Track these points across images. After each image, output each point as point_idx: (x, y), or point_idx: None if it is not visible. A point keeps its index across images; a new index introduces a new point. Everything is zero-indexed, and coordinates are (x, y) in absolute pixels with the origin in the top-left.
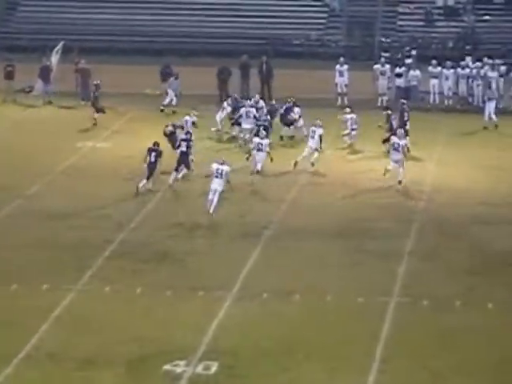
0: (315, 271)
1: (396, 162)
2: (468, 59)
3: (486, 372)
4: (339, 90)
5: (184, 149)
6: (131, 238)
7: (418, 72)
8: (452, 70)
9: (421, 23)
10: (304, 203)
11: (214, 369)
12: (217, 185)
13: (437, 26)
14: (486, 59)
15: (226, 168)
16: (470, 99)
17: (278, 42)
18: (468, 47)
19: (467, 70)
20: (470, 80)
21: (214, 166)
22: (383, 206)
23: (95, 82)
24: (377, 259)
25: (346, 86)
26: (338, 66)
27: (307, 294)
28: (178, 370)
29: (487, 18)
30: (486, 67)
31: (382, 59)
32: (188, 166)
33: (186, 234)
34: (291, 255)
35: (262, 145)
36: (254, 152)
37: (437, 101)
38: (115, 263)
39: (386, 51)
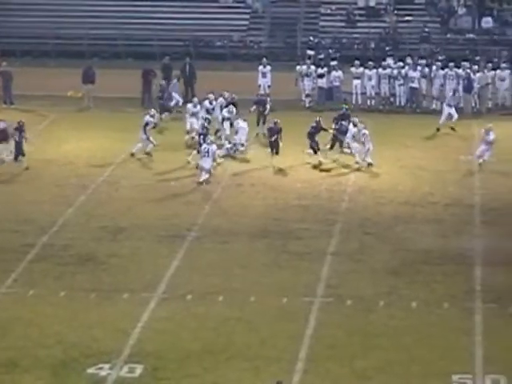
0: (239, 272)
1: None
2: (389, 59)
3: (410, 371)
4: (262, 91)
5: None
6: (54, 242)
7: (340, 73)
8: (374, 71)
9: (343, 24)
10: (227, 204)
11: (138, 371)
12: (205, 163)
13: (358, 26)
14: (407, 59)
15: (213, 147)
16: (392, 99)
17: (201, 43)
18: (389, 47)
19: (389, 70)
20: (392, 80)
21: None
22: (306, 207)
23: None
24: (300, 260)
25: (268, 86)
26: (260, 67)
27: (231, 295)
28: (103, 373)
29: (408, 18)
30: (407, 67)
31: (308, 60)
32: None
33: (109, 236)
34: (215, 256)
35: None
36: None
37: (359, 101)
38: (39, 267)
39: (311, 51)
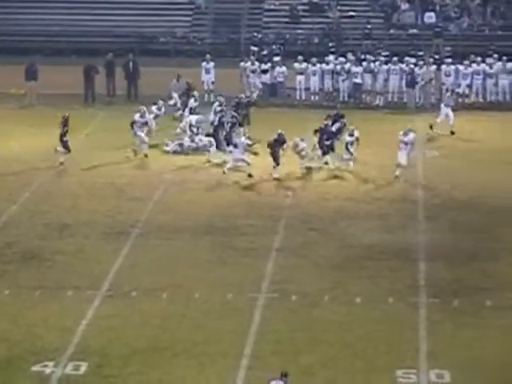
0: (184, 268)
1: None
2: (332, 55)
3: (355, 366)
4: (206, 87)
5: None
6: None
7: (284, 68)
8: (318, 66)
9: (286, 20)
10: (171, 201)
11: (83, 369)
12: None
13: (302, 22)
14: (349, 55)
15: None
16: (336, 94)
17: (144, 39)
18: (333, 43)
19: (332, 66)
20: (336, 75)
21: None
22: (251, 203)
23: None
24: (245, 256)
25: (212, 83)
26: (204, 64)
27: (176, 292)
28: (47, 370)
29: (352, 14)
30: (349, 64)
31: (252, 57)
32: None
33: (54, 233)
34: (160, 253)
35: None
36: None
37: (303, 97)
38: None
39: (255, 46)
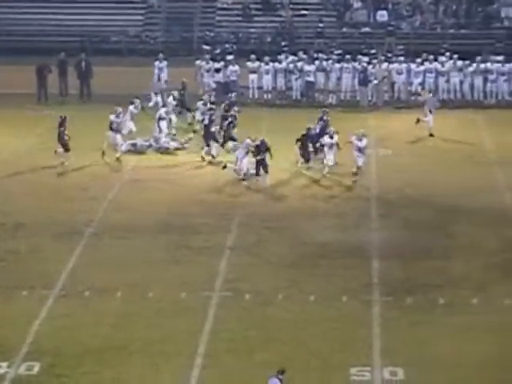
0: (138, 268)
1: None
2: (285, 54)
3: (309, 364)
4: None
5: None
6: None
7: (237, 67)
8: (270, 65)
9: (239, 18)
10: (126, 200)
11: (36, 369)
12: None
13: (255, 21)
14: (300, 53)
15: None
16: (289, 93)
17: (97, 39)
18: (286, 42)
19: (285, 64)
20: (288, 74)
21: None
22: (204, 202)
23: None
24: (199, 254)
25: (166, 81)
26: (157, 63)
27: (130, 291)
28: (1, 371)
29: (304, 12)
30: (301, 62)
31: (207, 56)
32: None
33: (8, 233)
34: (114, 252)
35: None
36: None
37: (256, 95)
38: None
39: (207, 45)
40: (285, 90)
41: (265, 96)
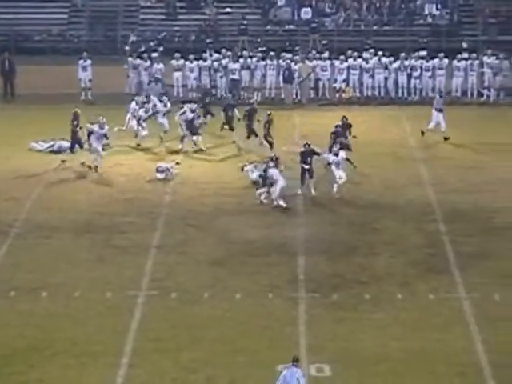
0: (63, 267)
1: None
2: (210, 51)
3: (235, 362)
4: (83, 85)
5: None
6: None
7: (161, 65)
8: (195, 63)
9: (163, 16)
10: (50, 200)
11: None
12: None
13: (179, 19)
14: (222, 51)
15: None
16: (214, 91)
17: (20, 38)
18: (210, 40)
19: (209, 62)
20: (213, 72)
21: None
22: (130, 201)
23: None
24: (125, 254)
25: (89, 80)
26: (81, 61)
27: (55, 291)
28: None
29: (228, 10)
30: (226, 60)
31: (134, 54)
32: None
33: None
34: (39, 252)
35: None
36: None
37: (181, 94)
38: None
39: (130, 44)
40: (210, 88)
41: (190, 94)
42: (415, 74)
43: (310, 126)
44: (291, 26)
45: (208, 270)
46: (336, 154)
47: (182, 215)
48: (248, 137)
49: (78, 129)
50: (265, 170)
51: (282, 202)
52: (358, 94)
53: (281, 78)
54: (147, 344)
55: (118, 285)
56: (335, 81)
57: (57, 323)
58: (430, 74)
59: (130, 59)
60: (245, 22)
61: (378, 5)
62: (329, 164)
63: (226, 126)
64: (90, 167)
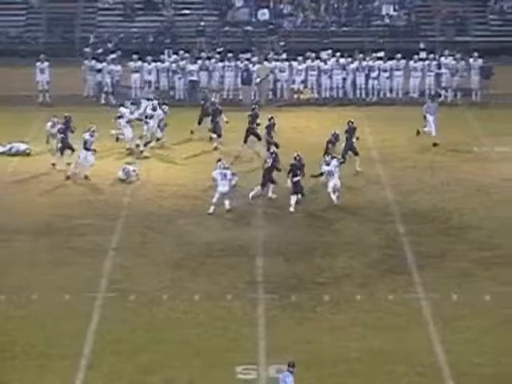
0: (21, 270)
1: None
2: (168, 53)
3: (194, 364)
4: (40, 88)
5: None
6: None
7: (119, 67)
8: (153, 64)
9: (120, 18)
10: (7, 202)
11: None
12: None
13: (137, 20)
14: (180, 52)
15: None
16: (172, 93)
17: None
18: (168, 41)
19: (167, 64)
20: (171, 73)
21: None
22: (88, 203)
23: None
24: (83, 256)
25: (47, 82)
26: (38, 64)
27: (14, 294)
28: None
29: (186, 11)
30: (184, 62)
31: (89, 56)
32: None
33: None
34: None
35: None
36: None
37: (139, 95)
38: None
39: (89, 46)
40: (168, 90)
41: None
42: (373, 74)
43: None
44: (249, 28)
45: (167, 272)
46: (328, 164)
47: (141, 217)
48: (245, 141)
49: (68, 134)
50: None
51: (212, 208)
52: (316, 95)
53: (239, 79)
54: (106, 346)
55: (76, 287)
56: (293, 82)
57: (15, 326)
58: (387, 74)
59: (85, 62)
60: (202, 24)
61: (335, 6)
62: (321, 174)
63: (214, 135)
64: (53, 164)
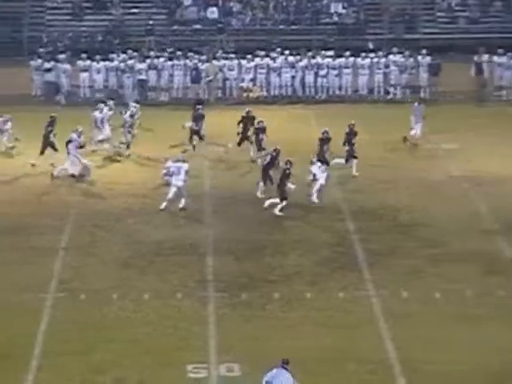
0: None
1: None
2: (117, 52)
3: (144, 363)
4: None
5: None
6: None
7: (67, 66)
8: (102, 63)
9: (69, 17)
10: None
11: None
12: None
13: (85, 19)
14: (128, 51)
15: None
16: (121, 91)
17: None
18: (117, 40)
19: (116, 63)
20: (120, 72)
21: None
22: (36, 203)
23: None
24: (33, 256)
25: None
26: None
27: None
28: None
29: (135, 10)
30: (133, 60)
31: (35, 56)
32: None
33: None
34: None
35: None
36: None
37: (87, 94)
38: None
39: (41, 47)
40: (117, 89)
41: (96, 95)
42: (322, 72)
43: (217, 125)
44: (198, 26)
45: (116, 271)
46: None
47: (90, 216)
48: (239, 144)
49: (51, 134)
50: None
51: (163, 204)
52: (265, 93)
53: (188, 77)
54: (56, 346)
55: (25, 287)
56: (242, 80)
57: None
58: (336, 72)
59: (31, 62)
60: (151, 23)
61: (284, 4)
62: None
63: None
64: (33, 165)
